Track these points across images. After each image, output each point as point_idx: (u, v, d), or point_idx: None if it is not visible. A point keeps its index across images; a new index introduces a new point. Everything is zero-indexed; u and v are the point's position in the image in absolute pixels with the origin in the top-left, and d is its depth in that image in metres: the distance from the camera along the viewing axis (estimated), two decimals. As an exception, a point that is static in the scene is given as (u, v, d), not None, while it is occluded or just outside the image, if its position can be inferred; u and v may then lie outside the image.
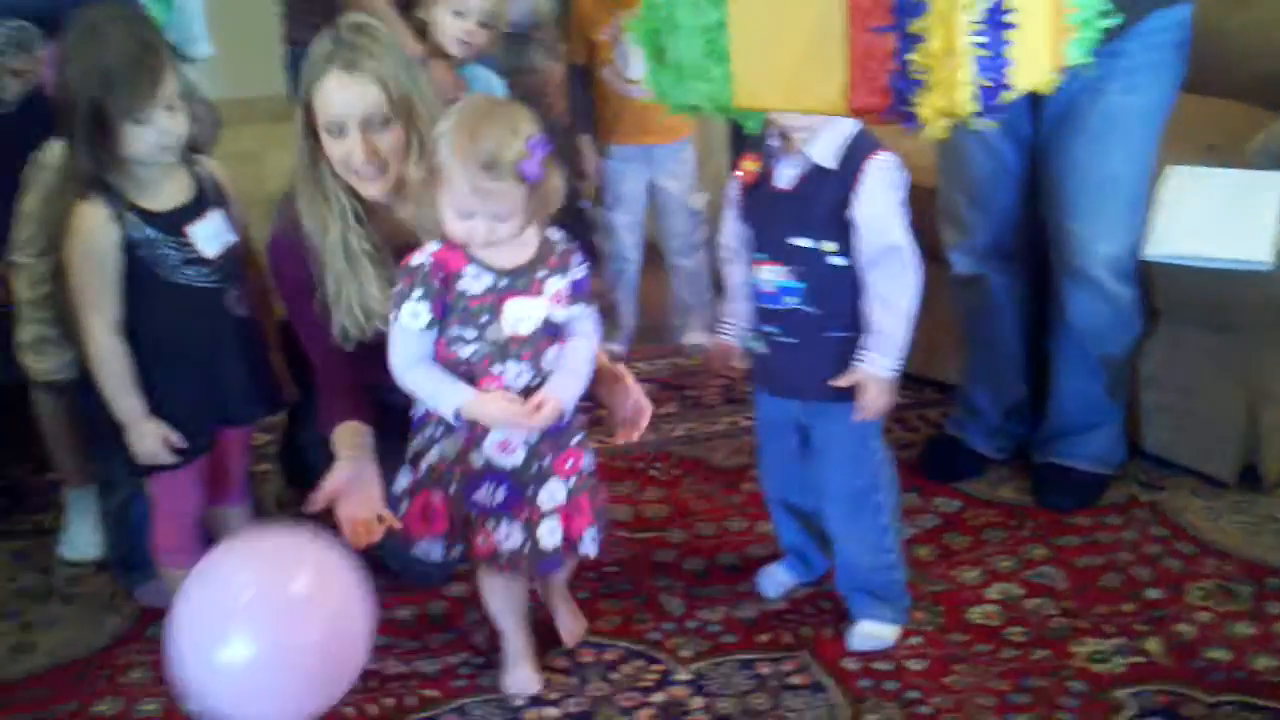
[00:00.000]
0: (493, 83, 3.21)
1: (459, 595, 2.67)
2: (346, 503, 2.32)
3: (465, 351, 2.22)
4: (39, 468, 3.19)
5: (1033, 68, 1.95)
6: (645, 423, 2.51)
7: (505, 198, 2.11)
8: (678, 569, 2.77)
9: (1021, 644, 2.48)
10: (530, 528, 2.30)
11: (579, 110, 3.66)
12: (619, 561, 2.79)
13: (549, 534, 2.32)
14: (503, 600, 2.42)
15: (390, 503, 2.33)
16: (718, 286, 3.76)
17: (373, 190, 2.39)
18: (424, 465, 2.31)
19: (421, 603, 2.68)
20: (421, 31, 3.10)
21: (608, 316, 3.78)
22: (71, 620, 2.70)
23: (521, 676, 2.44)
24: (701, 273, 3.81)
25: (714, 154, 4.22)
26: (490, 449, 2.26)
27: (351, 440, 2.40)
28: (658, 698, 2.40)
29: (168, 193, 2.33)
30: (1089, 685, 2.36)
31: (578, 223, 3.84)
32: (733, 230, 2.44)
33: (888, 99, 1.86)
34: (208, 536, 2.61)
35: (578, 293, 2.31)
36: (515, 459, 2.27)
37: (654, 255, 3.86)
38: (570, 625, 2.56)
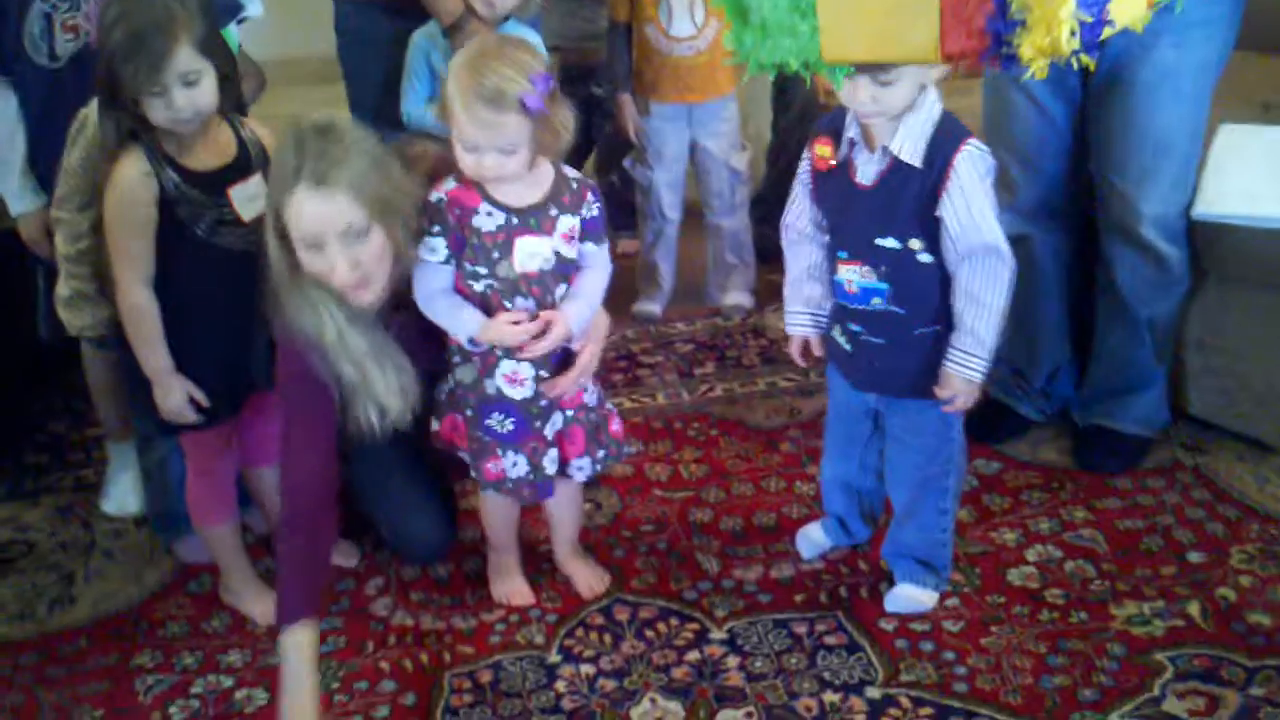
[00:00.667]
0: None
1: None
2: None
3: (479, 286, 2.27)
4: (80, 423, 3.22)
5: (1129, 3, 1.92)
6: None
7: (509, 131, 2.13)
8: (714, 528, 2.76)
9: (1060, 606, 2.46)
10: (536, 456, 2.38)
11: (620, 68, 3.63)
12: (655, 520, 2.79)
13: (550, 462, 2.40)
14: (498, 518, 2.54)
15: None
16: (761, 253, 3.79)
17: (362, 301, 2.21)
18: (444, 389, 2.41)
19: (458, 560, 2.69)
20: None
21: (645, 277, 3.79)
22: (112, 574, 2.72)
23: (512, 587, 2.58)
24: (742, 232, 3.78)
25: (756, 112, 4.19)
26: (500, 380, 2.32)
27: (298, 655, 2.22)
28: (692, 656, 2.39)
29: (209, 153, 2.31)
30: (1127, 648, 2.34)
31: (625, 181, 3.83)
32: (802, 211, 2.38)
33: (984, 42, 1.84)
34: (245, 496, 2.66)
35: (590, 230, 2.33)
36: (524, 391, 2.33)
37: (693, 215, 3.83)
38: (588, 579, 2.60)
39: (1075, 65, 1.88)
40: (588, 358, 2.37)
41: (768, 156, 4.13)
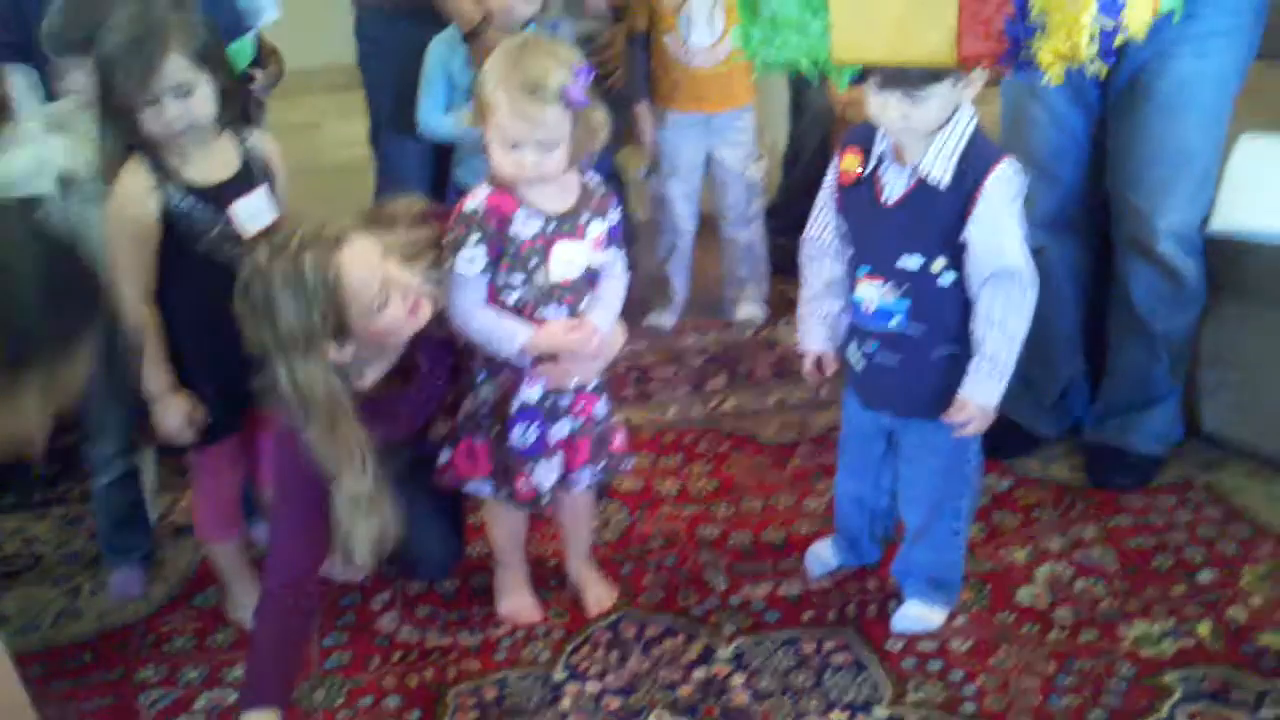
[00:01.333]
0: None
1: (502, 568, 2.67)
2: None
3: (512, 297, 2.25)
4: (89, 435, 3.21)
5: (1138, 11, 1.90)
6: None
7: (551, 124, 2.13)
8: (723, 544, 2.75)
9: (1069, 625, 2.43)
10: (553, 461, 2.38)
11: (637, 77, 3.63)
12: (664, 536, 2.78)
13: (551, 468, 2.39)
14: (506, 532, 2.53)
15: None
16: (776, 264, 3.78)
17: (423, 319, 2.19)
18: (461, 413, 2.37)
19: (464, 575, 2.68)
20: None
21: (658, 289, 3.78)
22: (118, 586, 2.73)
23: (518, 603, 2.56)
24: (756, 245, 3.77)
25: (772, 123, 4.18)
26: (524, 389, 2.32)
27: None
28: (699, 674, 2.38)
29: (211, 166, 2.30)
30: (1137, 668, 2.31)
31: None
32: (826, 224, 2.34)
33: (1002, 45, 1.83)
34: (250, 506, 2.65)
35: (612, 237, 2.34)
36: (537, 391, 2.32)
37: (706, 227, 3.82)
38: (597, 593, 2.58)
39: (1089, 72, 1.86)
40: (612, 348, 2.37)
41: (783, 167, 4.11)
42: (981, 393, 2.21)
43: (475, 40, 3.05)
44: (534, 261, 2.23)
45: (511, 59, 2.14)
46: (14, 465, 3.08)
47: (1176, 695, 2.24)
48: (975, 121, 2.15)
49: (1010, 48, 1.82)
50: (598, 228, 2.29)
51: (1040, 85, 2.61)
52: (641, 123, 3.64)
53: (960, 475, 2.37)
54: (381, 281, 2.10)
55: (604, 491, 2.83)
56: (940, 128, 2.13)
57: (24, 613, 2.65)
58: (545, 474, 2.37)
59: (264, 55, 3.18)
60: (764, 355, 3.59)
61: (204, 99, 2.22)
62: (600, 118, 2.21)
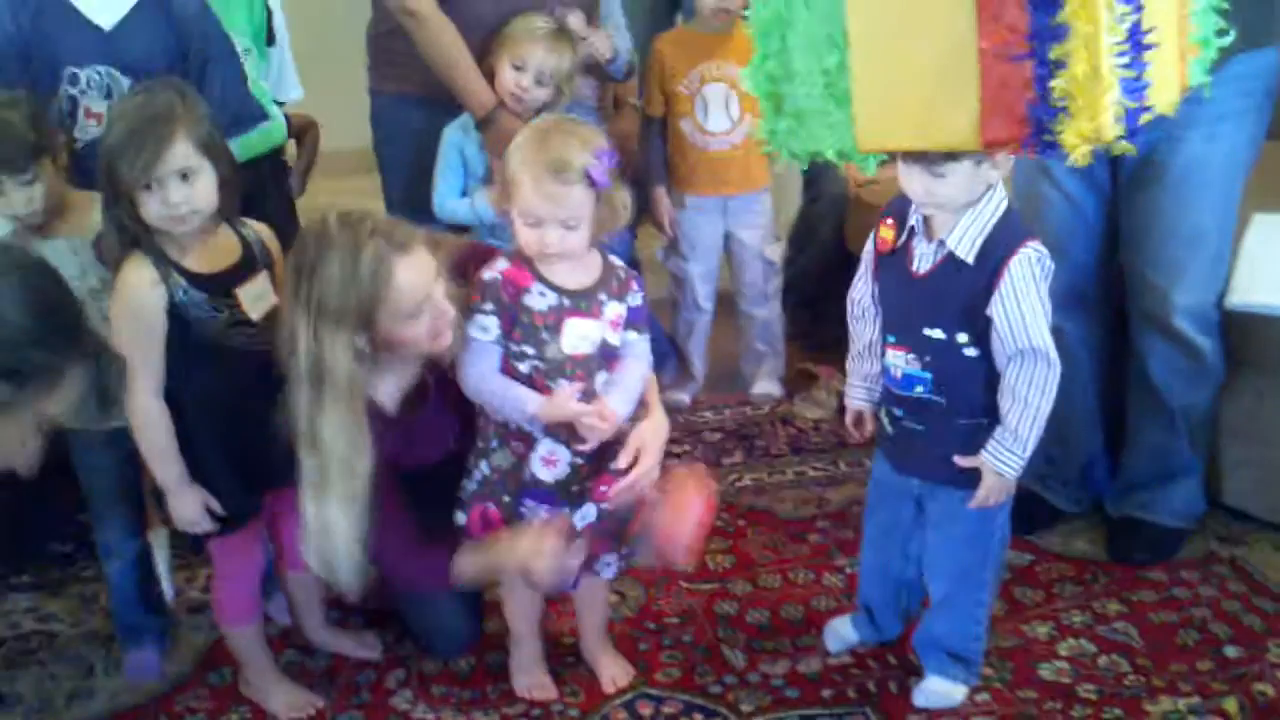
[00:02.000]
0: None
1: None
2: None
3: (524, 368, 2.26)
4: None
5: (1165, 88, 1.91)
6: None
7: (574, 203, 2.16)
8: (741, 621, 2.72)
9: (1094, 702, 2.40)
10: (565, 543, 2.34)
11: (655, 161, 3.65)
12: (681, 613, 2.75)
13: (575, 551, 2.33)
14: (522, 609, 2.52)
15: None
16: (789, 334, 3.79)
17: (446, 342, 2.22)
18: (476, 477, 2.36)
19: (480, 654, 2.65)
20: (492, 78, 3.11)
21: (678, 366, 3.78)
22: (132, 666, 2.71)
23: (534, 680, 2.54)
24: (774, 322, 3.78)
25: (787, 203, 4.20)
26: (536, 463, 2.30)
27: None
28: (717, 752, 2.35)
29: (212, 256, 2.30)
30: (1163, 746, 2.28)
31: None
32: (866, 289, 2.37)
33: (1025, 128, 1.83)
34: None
35: (634, 319, 2.34)
36: (558, 472, 2.31)
37: (723, 303, 3.83)
38: (612, 671, 2.56)
39: (1114, 151, 1.87)
40: (651, 461, 2.32)
41: (790, 242, 4.12)
42: (1000, 462, 2.20)
43: (489, 126, 3.07)
44: (545, 335, 2.24)
45: (538, 139, 2.18)
46: (31, 543, 3.11)
47: (1204, 772, 2.21)
48: (1006, 202, 2.16)
49: (1034, 130, 1.83)
50: (616, 309, 2.30)
51: (1052, 165, 2.64)
52: (659, 206, 3.66)
53: (985, 545, 2.35)
54: (424, 297, 2.15)
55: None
56: (971, 204, 2.14)
57: (38, 692, 2.62)
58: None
59: (302, 130, 3.21)
60: (780, 431, 3.58)
61: (207, 186, 2.23)
62: (623, 199, 2.24)
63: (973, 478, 2.24)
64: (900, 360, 2.26)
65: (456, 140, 3.15)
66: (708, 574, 2.90)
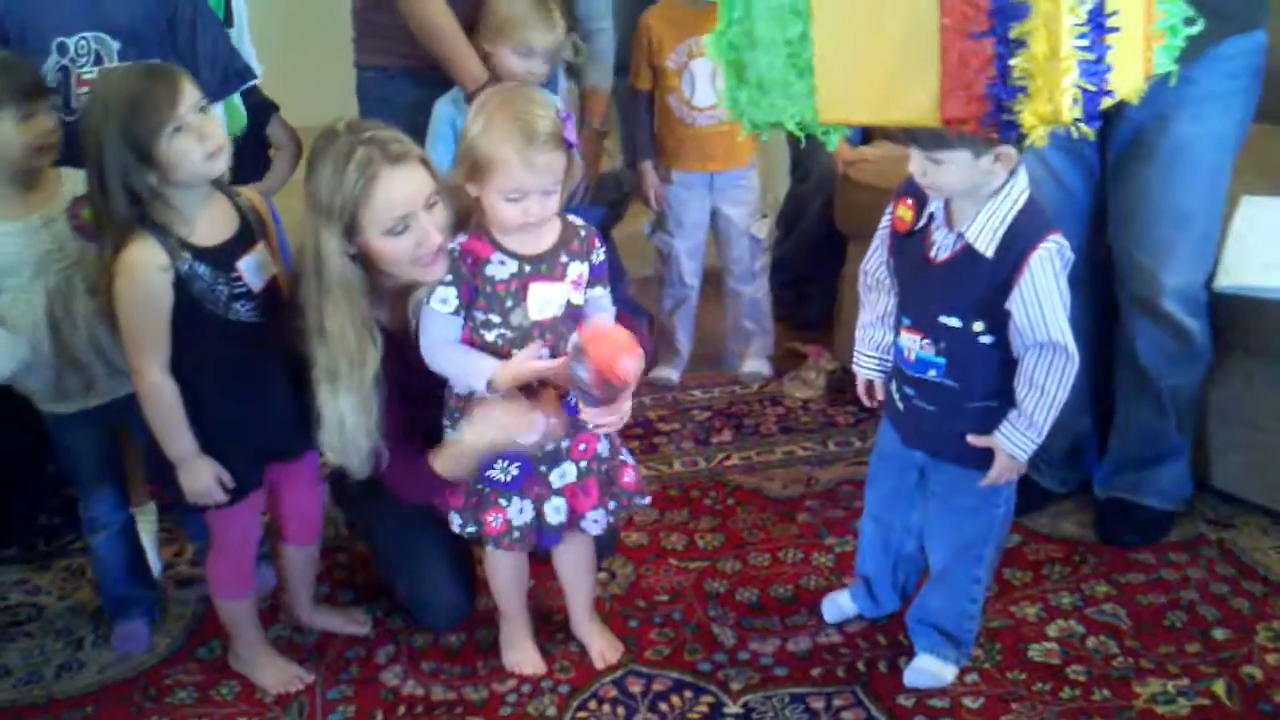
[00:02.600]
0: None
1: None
2: None
3: (490, 336, 2.26)
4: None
5: (1128, 74, 1.91)
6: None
7: (557, 168, 2.19)
8: (730, 599, 2.73)
9: (1082, 683, 2.41)
10: (539, 504, 2.37)
11: (642, 136, 3.64)
12: (670, 591, 2.76)
13: (554, 511, 2.38)
14: (506, 581, 2.52)
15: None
16: (778, 313, 3.79)
17: (435, 274, 2.26)
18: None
19: (470, 629, 2.65)
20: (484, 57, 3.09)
21: (663, 343, 3.77)
22: (120, 638, 2.70)
23: (523, 656, 2.55)
24: (761, 300, 3.78)
25: (775, 180, 4.19)
26: None
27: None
28: (707, 730, 2.36)
29: (214, 227, 2.28)
30: (1151, 727, 2.29)
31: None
32: (881, 261, 2.36)
33: (984, 107, 1.82)
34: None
35: (597, 276, 2.34)
36: (532, 436, 2.30)
37: (711, 282, 3.83)
38: (602, 647, 2.56)
39: (1075, 134, 1.86)
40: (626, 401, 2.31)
41: (779, 221, 4.12)
42: (1014, 445, 2.21)
43: None
44: (510, 303, 2.24)
45: (506, 114, 2.16)
46: (17, 516, 3.09)
47: (1192, 754, 2.22)
48: (1028, 193, 2.15)
49: (993, 109, 1.82)
50: (578, 268, 2.29)
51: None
52: (646, 181, 3.65)
53: (987, 520, 2.36)
54: (407, 214, 2.21)
55: (613, 548, 2.81)
56: (992, 195, 2.13)
57: (27, 665, 2.62)
58: (523, 508, 2.36)
59: (282, 134, 3.18)
60: (770, 410, 3.58)
61: (218, 123, 2.27)
62: (577, 157, 2.26)
63: (982, 456, 2.25)
64: (914, 343, 2.26)
65: (448, 114, 3.14)
66: (697, 552, 2.90)
